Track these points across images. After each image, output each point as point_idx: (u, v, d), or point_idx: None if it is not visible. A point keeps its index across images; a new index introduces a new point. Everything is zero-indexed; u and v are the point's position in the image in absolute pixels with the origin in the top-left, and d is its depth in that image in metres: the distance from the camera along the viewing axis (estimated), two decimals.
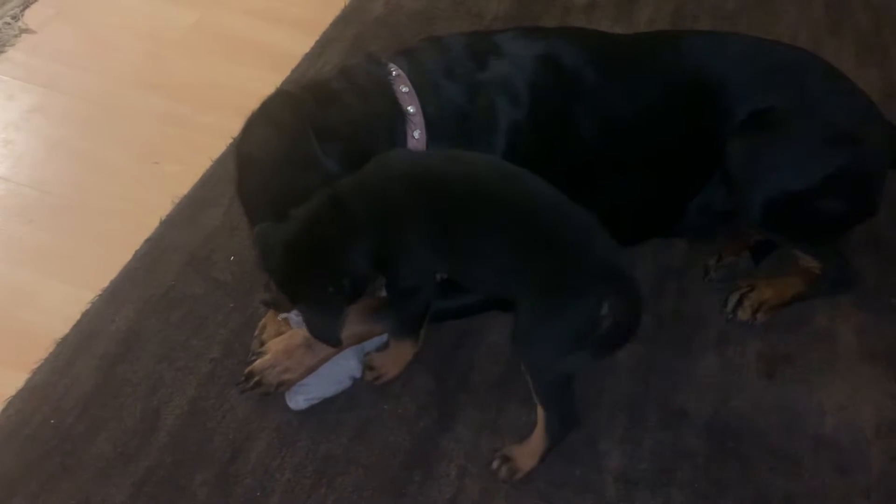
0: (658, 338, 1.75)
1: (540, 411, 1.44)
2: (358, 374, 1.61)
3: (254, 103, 1.54)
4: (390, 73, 1.56)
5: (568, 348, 1.38)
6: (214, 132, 2.10)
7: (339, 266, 1.38)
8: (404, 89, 1.55)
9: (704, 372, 1.70)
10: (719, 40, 1.86)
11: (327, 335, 1.40)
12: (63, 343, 1.66)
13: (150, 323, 1.70)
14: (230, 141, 2.07)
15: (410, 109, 1.54)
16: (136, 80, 2.29)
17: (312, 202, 1.39)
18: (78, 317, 1.71)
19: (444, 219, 1.39)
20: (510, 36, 1.72)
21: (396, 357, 1.61)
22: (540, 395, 1.42)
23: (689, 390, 1.66)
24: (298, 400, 1.56)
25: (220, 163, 2.04)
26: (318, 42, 2.44)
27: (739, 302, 1.77)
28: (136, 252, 1.84)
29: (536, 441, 1.47)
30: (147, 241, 1.86)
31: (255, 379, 1.54)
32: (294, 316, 1.53)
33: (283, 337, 1.58)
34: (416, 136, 1.54)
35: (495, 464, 1.49)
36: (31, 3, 2.46)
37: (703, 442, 1.58)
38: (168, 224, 1.90)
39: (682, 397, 1.65)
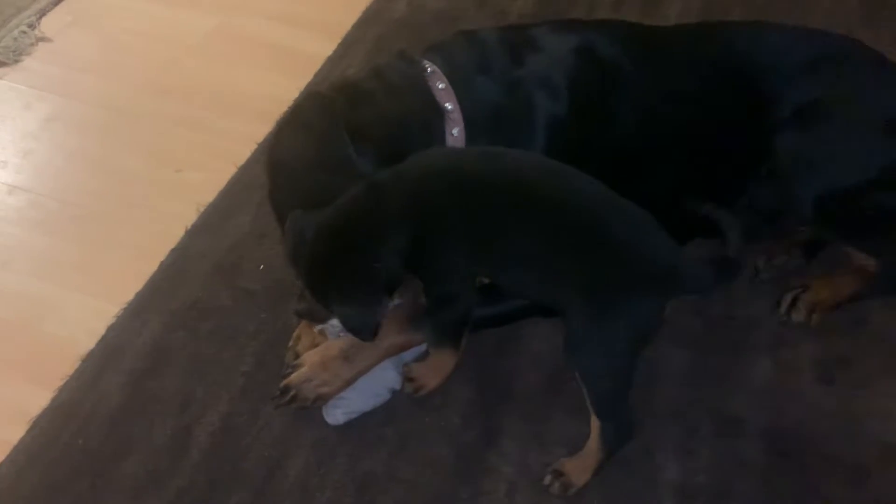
0: (708, 342, 1.67)
1: (594, 422, 1.37)
2: (397, 386, 1.54)
3: (276, 107, 1.50)
4: (425, 69, 1.51)
5: (624, 356, 1.31)
6: (237, 138, 2.05)
7: (376, 254, 1.30)
8: (441, 86, 1.50)
9: (759, 377, 1.62)
10: (760, 30, 1.79)
11: (362, 326, 1.31)
12: (88, 359, 1.61)
13: (177, 336, 1.64)
14: (254, 147, 2.02)
15: (448, 106, 1.48)
16: (155, 86, 2.24)
17: (350, 192, 1.32)
18: (103, 331, 1.66)
19: (484, 218, 1.33)
20: (546, 29, 1.66)
21: (437, 367, 1.54)
22: (595, 405, 1.35)
23: (744, 397, 1.59)
24: (336, 414, 1.50)
25: (244, 169, 1.99)
26: (340, 44, 2.38)
27: (793, 303, 1.70)
28: (162, 263, 1.78)
29: (590, 454, 1.40)
30: (172, 251, 1.81)
31: (291, 393, 1.48)
32: (331, 326, 1.46)
33: (318, 349, 1.51)
34: (455, 133, 1.49)
35: (547, 479, 1.42)
36: (48, 11, 2.42)
37: (762, 451, 1.51)
38: (193, 233, 1.84)
39: (737, 404, 1.58)
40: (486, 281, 1.53)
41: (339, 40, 2.40)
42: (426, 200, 1.32)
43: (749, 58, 1.68)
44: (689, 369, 1.62)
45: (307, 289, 1.34)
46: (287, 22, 2.47)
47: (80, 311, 1.71)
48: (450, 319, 1.50)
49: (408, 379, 1.54)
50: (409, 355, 1.56)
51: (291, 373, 1.50)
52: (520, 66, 1.56)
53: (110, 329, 1.66)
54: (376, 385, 1.52)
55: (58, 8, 2.44)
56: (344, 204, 1.31)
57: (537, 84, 1.55)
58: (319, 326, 1.50)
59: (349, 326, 1.32)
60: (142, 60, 2.33)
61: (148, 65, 2.31)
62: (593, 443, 1.38)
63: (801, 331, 1.69)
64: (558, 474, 1.41)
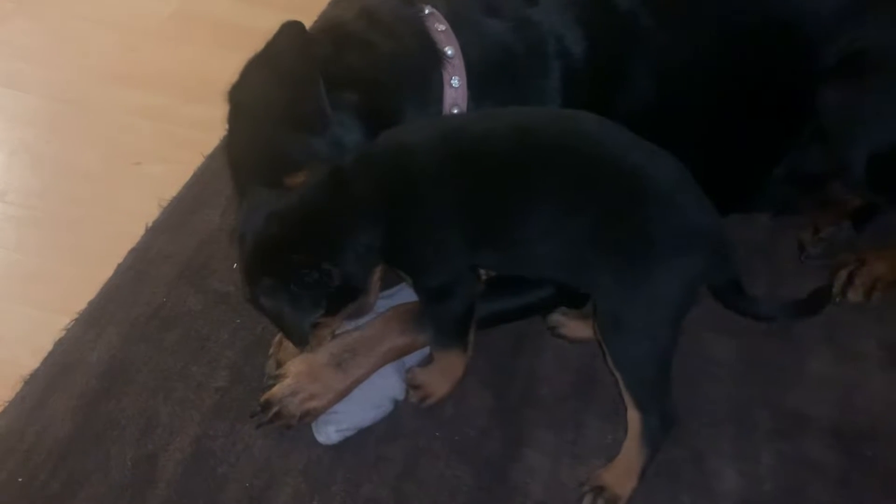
0: (755, 329, 1.47)
1: (633, 415, 1.19)
2: (401, 396, 1.36)
3: None
4: (422, 9, 1.33)
5: (667, 331, 1.14)
6: (203, 126, 1.88)
7: (330, 256, 1.15)
8: (440, 27, 1.32)
9: (817, 366, 1.45)
10: None
11: (291, 330, 1.21)
12: (32, 380, 1.43)
13: (138, 349, 1.46)
14: (222, 134, 1.81)
15: (448, 51, 1.31)
16: (109, 74, 2.08)
17: (311, 178, 1.19)
18: (50, 347, 1.47)
19: (485, 189, 1.16)
20: None
21: (444, 371, 1.35)
22: (634, 393, 1.17)
23: (804, 389, 1.41)
24: (329, 432, 1.31)
25: (212, 158, 1.83)
26: (314, 24, 2.18)
27: (849, 280, 1.52)
28: (119, 266, 1.62)
29: (632, 454, 1.20)
30: (131, 251, 1.64)
31: (274, 409, 1.29)
32: None
33: (305, 355, 1.32)
34: (455, 83, 1.31)
35: (587, 500, 1.20)
36: None
37: (833, 450, 1.32)
38: (155, 231, 1.68)
39: (796, 398, 1.39)
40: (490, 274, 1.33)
41: (313, 18, 2.19)
42: (404, 183, 1.17)
43: (785, 4, 1.52)
44: (737, 361, 1.45)
45: (244, 273, 1.21)
46: (253, 2, 2.29)
47: (24, 326, 1.53)
48: (448, 315, 1.30)
49: (412, 387, 1.35)
50: (412, 359, 1.37)
51: (273, 385, 1.30)
52: (530, 7, 1.38)
53: (59, 344, 1.48)
54: (376, 395, 1.33)
55: None
56: (303, 195, 1.17)
57: (551, 28, 1.38)
58: None
59: (278, 327, 1.24)
60: (94, 48, 2.16)
61: (101, 52, 2.15)
62: (633, 441, 1.20)
63: (858, 311, 1.51)
64: (599, 490, 1.20)
